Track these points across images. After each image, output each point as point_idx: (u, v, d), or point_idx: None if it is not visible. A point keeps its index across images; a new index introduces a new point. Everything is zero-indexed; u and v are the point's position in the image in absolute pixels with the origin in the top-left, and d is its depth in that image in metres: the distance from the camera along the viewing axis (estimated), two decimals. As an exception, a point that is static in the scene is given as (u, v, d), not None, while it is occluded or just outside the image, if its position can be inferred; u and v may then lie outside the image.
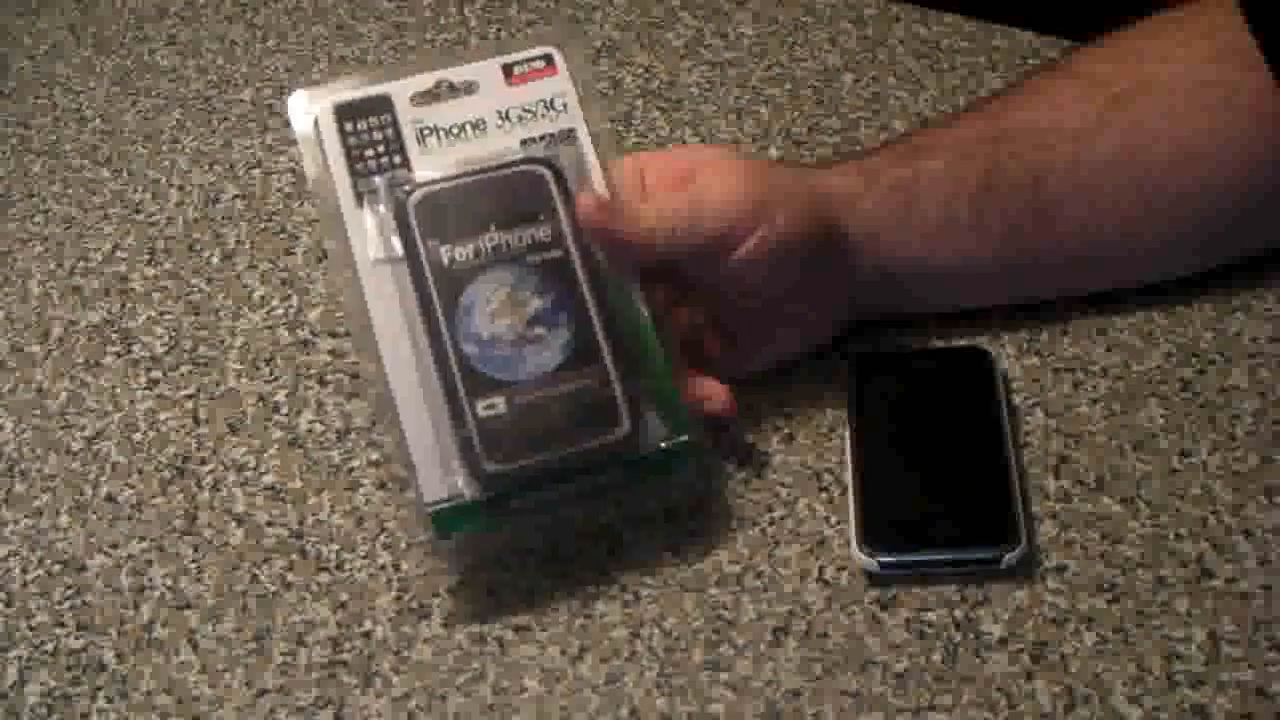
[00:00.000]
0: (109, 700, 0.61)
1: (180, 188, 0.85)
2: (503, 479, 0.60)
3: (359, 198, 0.63)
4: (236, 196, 0.84)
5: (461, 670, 0.61)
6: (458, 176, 0.63)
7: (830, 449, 0.67)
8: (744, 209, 0.63)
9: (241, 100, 0.90)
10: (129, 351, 0.76)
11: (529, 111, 0.65)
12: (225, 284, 0.79)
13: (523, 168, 0.63)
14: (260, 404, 0.72)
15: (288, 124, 0.87)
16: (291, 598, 0.64)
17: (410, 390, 0.61)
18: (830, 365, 0.69)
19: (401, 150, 0.64)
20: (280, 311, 0.77)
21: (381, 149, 0.64)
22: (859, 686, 0.59)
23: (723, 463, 0.66)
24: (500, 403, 0.60)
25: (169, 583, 0.65)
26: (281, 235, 0.81)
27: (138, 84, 0.93)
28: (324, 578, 0.65)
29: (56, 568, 0.66)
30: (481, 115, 0.64)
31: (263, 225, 0.82)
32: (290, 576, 0.65)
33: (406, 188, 0.62)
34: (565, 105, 0.65)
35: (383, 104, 0.64)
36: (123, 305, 0.78)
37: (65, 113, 0.91)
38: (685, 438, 0.62)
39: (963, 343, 0.69)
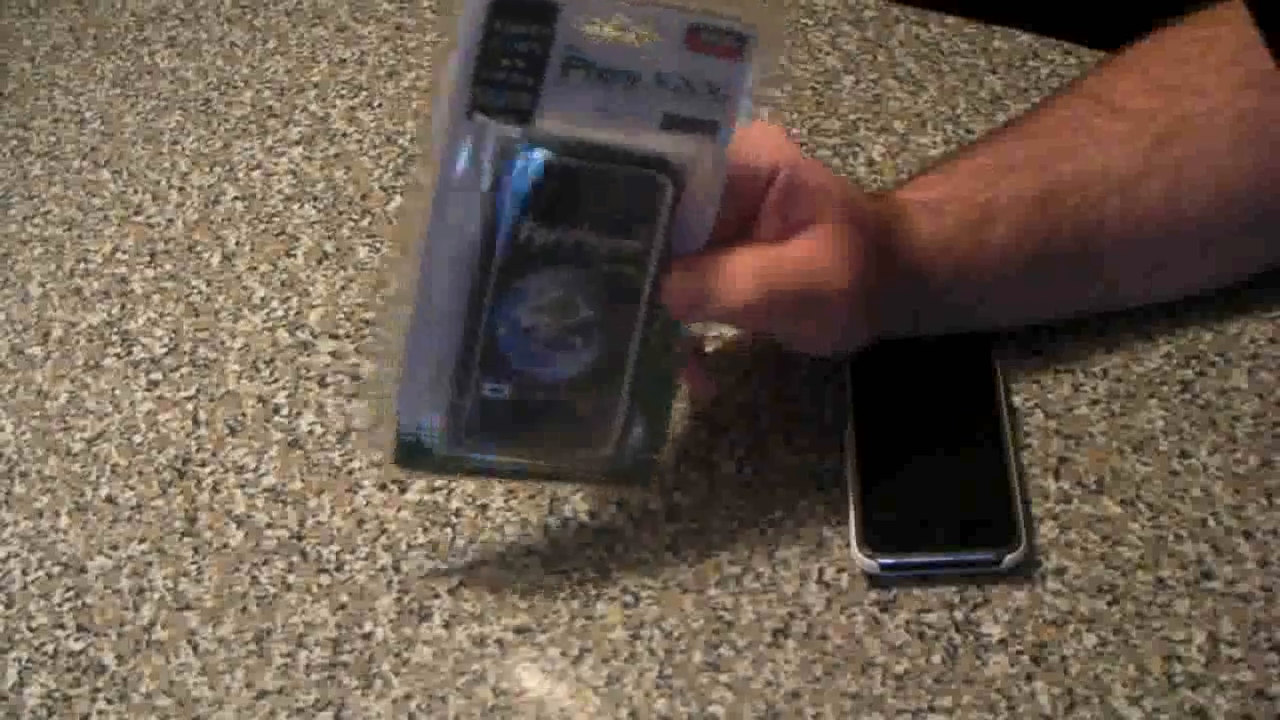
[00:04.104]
0: (109, 702, 0.61)
1: (180, 189, 0.85)
2: (473, 450, 0.60)
3: (471, 108, 0.55)
4: (236, 198, 0.84)
5: (462, 672, 0.61)
6: (578, 154, 0.56)
7: (830, 449, 0.67)
8: (851, 301, 0.60)
9: (242, 102, 0.90)
10: (129, 353, 0.76)
11: (690, 88, 0.56)
12: (225, 286, 0.79)
13: (647, 172, 0.57)
14: (260, 405, 0.72)
15: (288, 125, 0.88)
16: (292, 599, 0.64)
17: (431, 320, 0.58)
18: (830, 365, 0.69)
19: (539, 74, 0.55)
20: (280, 313, 0.77)
21: (521, 63, 0.54)
22: (859, 688, 0.59)
23: (720, 462, 0.66)
24: (506, 390, 0.59)
25: (169, 584, 0.65)
26: (281, 237, 0.81)
27: (138, 86, 0.93)
28: (324, 579, 0.65)
29: (56, 569, 0.66)
30: (639, 70, 0.56)
31: (263, 227, 0.82)
32: (290, 578, 0.65)
33: (523, 144, 0.56)
34: (729, 98, 0.57)
35: (547, 15, 0.54)
36: (123, 307, 0.78)
37: (65, 114, 0.91)
38: (656, 456, 0.62)
39: (963, 344, 0.69)
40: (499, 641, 0.62)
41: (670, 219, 0.58)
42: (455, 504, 0.66)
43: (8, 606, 0.65)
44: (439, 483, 0.67)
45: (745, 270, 0.59)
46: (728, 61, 0.56)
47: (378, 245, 0.79)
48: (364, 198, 0.82)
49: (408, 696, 0.60)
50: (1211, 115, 0.67)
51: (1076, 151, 0.68)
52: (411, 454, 0.60)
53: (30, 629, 0.64)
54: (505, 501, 0.66)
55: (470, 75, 0.54)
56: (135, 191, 0.85)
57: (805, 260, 0.60)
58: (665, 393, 0.62)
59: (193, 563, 0.66)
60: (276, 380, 0.73)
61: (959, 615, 0.60)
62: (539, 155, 0.56)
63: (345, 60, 0.92)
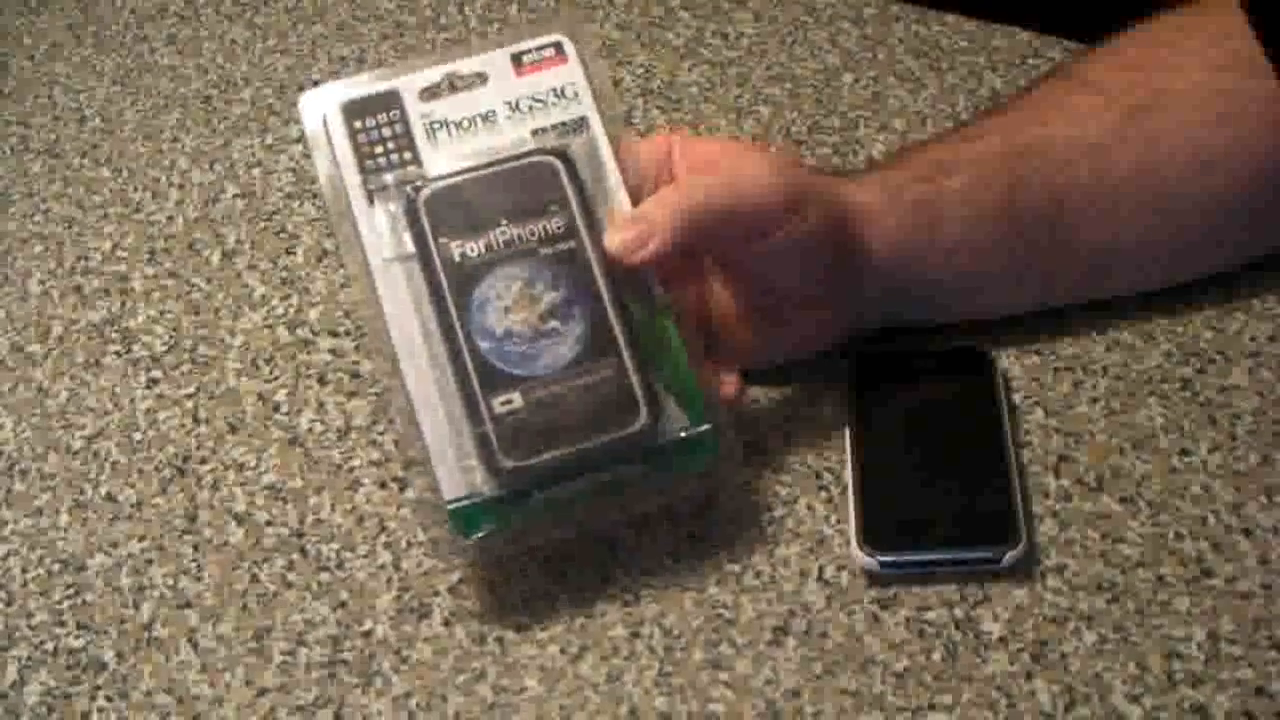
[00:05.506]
0: (109, 700, 0.61)
1: (180, 187, 0.85)
2: (521, 475, 0.60)
3: (370, 196, 0.62)
4: (236, 196, 0.84)
5: (462, 670, 0.61)
6: (467, 171, 0.62)
7: (830, 449, 0.67)
8: (778, 197, 0.62)
9: (242, 100, 0.90)
10: (129, 351, 0.76)
11: (539, 101, 0.64)
12: (225, 283, 0.79)
13: (533, 159, 0.62)
14: (260, 403, 0.72)
15: (288, 123, 0.88)
16: (292, 597, 0.64)
17: (426, 388, 0.61)
18: (830, 365, 0.69)
19: (411, 146, 0.63)
20: (280, 311, 0.77)
21: (391, 145, 0.63)
22: (859, 686, 0.59)
23: (719, 462, 0.66)
24: (516, 398, 0.60)
25: (169, 582, 0.65)
26: (281, 235, 0.81)
27: (138, 83, 0.93)
28: (324, 577, 0.65)
29: (56, 567, 0.66)
30: (491, 107, 0.64)
31: (263, 225, 0.82)
32: (290, 576, 0.65)
33: (416, 184, 0.62)
34: (576, 93, 0.64)
35: (391, 100, 0.63)
36: (123, 304, 0.78)
37: (65, 112, 0.91)
38: (705, 426, 0.61)
39: (962, 342, 0.69)
40: (499, 639, 0.62)
41: (579, 191, 0.62)
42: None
43: (8, 604, 0.65)
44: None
45: (670, 194, 0.62)
46: (557, 68, 0.64)
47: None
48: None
49: (408, 694, 0.60)
50: (1187, 91, 0.67)
51: (1045, 121, 0.68)
52: (470, 517, 0.60)
53: (30, 627, 0.64)
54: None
55: (355, 169, 0.62)
56: (135, 189, 0.85)
57: (726, 169, 0.63)
58: (671, 360, 0.62)
59: (193, 560, 0.66)
60: (276, 378, 0.73)
61: (959, 613, 0.60)
62: (431, 186, 0.62)
63: (345, 58, 0.92)
